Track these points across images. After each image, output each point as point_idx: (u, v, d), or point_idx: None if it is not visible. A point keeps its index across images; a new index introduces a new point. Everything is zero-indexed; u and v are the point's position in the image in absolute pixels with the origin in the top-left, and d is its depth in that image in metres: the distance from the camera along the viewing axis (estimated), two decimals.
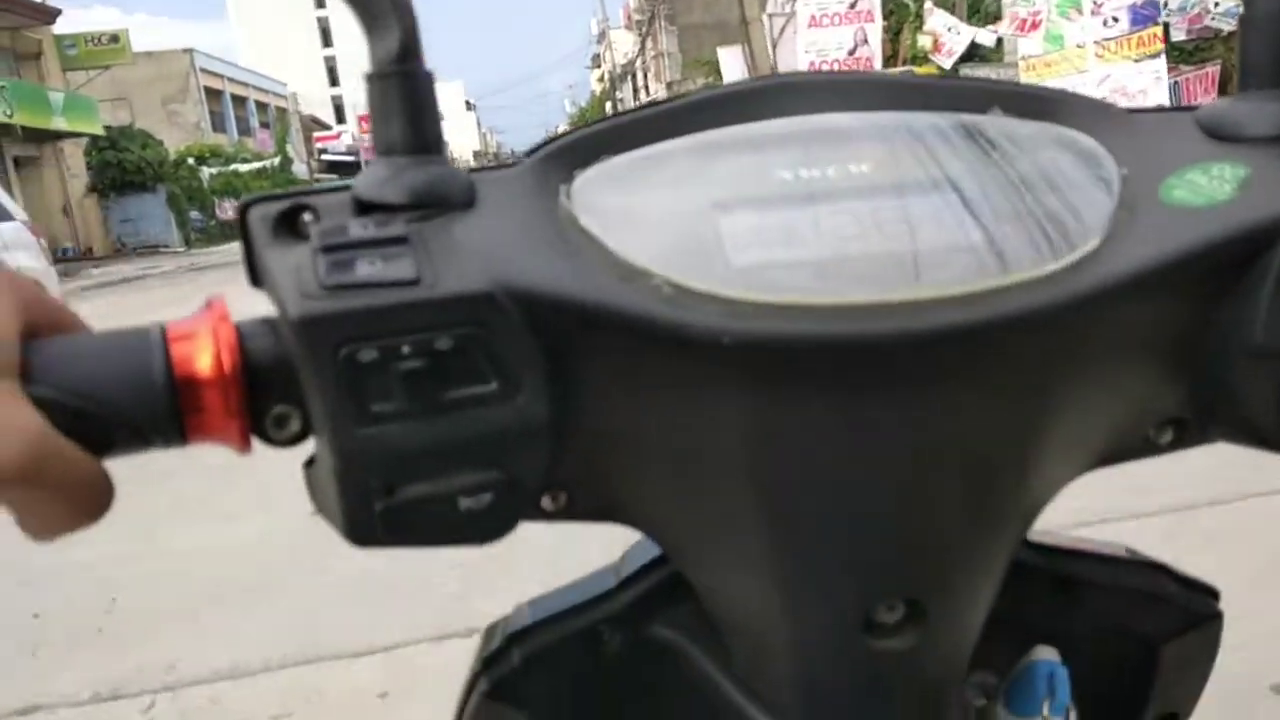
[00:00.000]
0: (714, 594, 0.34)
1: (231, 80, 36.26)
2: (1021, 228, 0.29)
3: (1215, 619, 0.39)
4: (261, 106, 39.14)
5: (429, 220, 0.30)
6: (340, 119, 47.47)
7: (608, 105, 49.32)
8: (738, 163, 0.31)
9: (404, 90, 0.30)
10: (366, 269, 0.28)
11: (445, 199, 0.30)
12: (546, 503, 0.32)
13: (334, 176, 51.59)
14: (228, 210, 26.41)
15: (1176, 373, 0.32)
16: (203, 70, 32.40)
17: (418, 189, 0.30)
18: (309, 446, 0.30)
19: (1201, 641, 0.39)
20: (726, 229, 0.29)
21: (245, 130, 35.16)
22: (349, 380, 0.27)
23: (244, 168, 26.58)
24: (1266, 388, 0.31)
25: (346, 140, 46.89)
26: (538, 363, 0.28)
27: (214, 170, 25.04)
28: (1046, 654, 0.37)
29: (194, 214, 23.82)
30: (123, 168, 22.17)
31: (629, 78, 43.99)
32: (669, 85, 24.23)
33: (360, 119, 48.58)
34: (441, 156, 0.31)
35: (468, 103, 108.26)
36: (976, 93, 0.33)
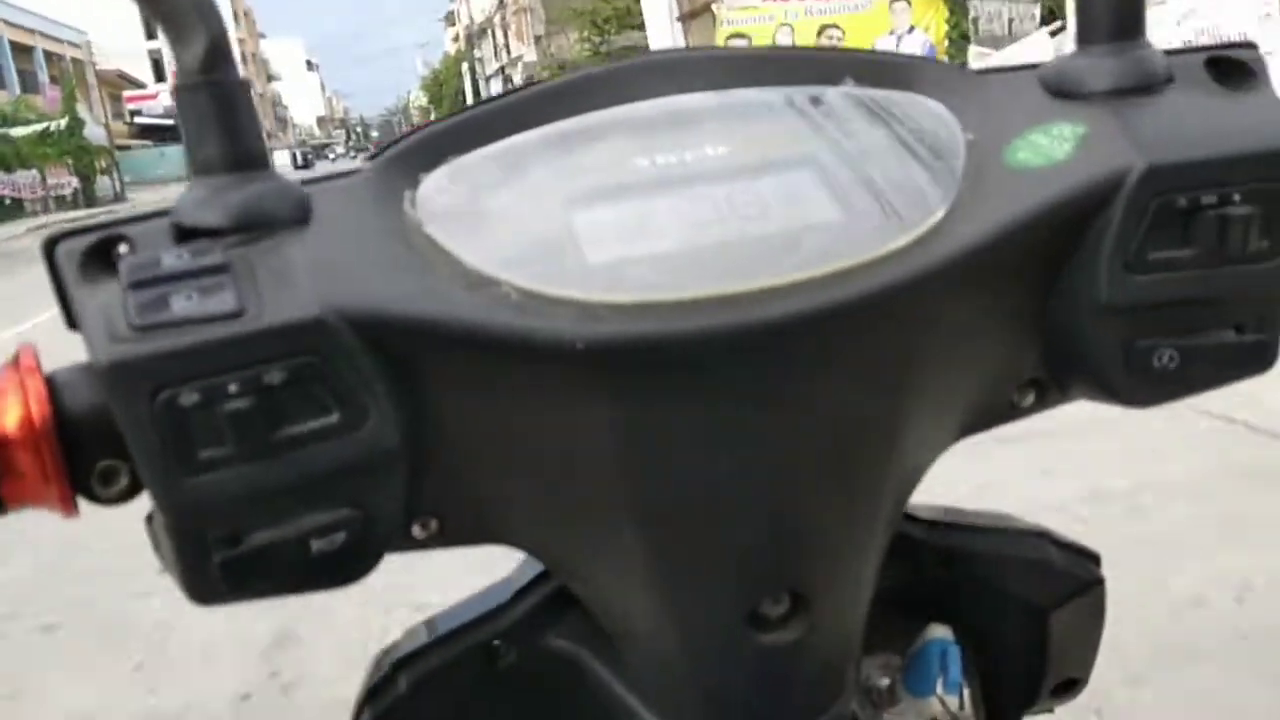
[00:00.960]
0: (599, 604, 0.34)
1: (9, 24, 29.12)
2: (873, 203, 0.30)
3: (1099, 583, 0.41)
4: (54, 58, 32.05)
5: (255, 243, 0.28)
6: (160, 76, 40.32)
7: (463, 66, 43.92)
8: (592, 153, 0.31)
9: (216, 101, 0.29)
10: (182, 304, 0.26)
11: (273, 218, 0.29)
12: (417, 531, 0.31)
13: (147, 143, 43.90)
14: None
15: (1030, 335, 0.33)
16: None
17: (241, 209, 0.28)
18: (146, 501, 0.28)
19: (1088, 607, 0.42)
20: (581, 225, 0.29)
21: (31, 86, 28.49)
22: (171, 427, 0.26)
23: (19, 131, 20.67)
24: (1113, 343, 0.32)
25: (165, 101, 39.68)
26: (383, 387, 0.27)
27: None
28: (939, 632, 0.38)
29: None
30: None
31: (488, 34, 38.74)
32: (537, 40, 19.61)
33: (173, 73, 40.95)
34: (267, 171, 0.29)
35: (309, 62, 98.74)
36: (830, 63, 0.34)
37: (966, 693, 0.38)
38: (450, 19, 66.84)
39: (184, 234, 0.28)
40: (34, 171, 23.59)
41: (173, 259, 0.27)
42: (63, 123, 24.68)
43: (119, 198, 26.68)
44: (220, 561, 0.27)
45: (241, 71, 0.30)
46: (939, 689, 0.38)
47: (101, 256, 0.28)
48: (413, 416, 0.28)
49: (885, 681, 0.40)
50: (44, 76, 33.26)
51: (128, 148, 42.00)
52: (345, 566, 0.28)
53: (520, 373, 0.28)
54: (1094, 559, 0.42)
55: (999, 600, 0.41)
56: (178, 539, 0.27)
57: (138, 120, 47.34)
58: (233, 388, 0.26)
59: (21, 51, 30.92)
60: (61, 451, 0.27)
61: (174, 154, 40.65)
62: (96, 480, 0.28)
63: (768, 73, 0.34)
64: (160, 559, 0.29)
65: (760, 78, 0.33)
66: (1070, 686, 0.44)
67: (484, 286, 0.28)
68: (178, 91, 0.28)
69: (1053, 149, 0.32)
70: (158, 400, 0.25)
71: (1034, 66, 0.34)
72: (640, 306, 0.28)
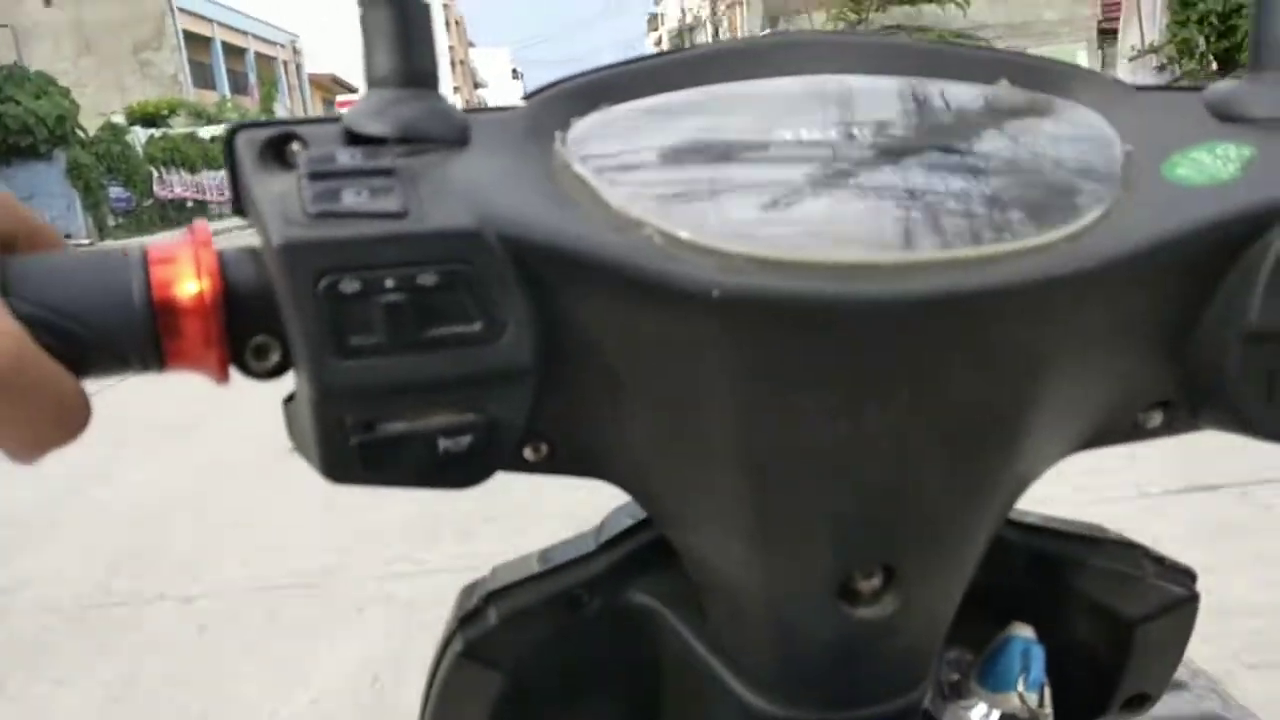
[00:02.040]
0: (693, 557, 0.36)
1: (225, 26, 27.52)
2: (1022, 199, 0.30)
3: (1191, 601, 0.41)
4: (266, 60, 30.65)
5: (419, 155, 0.30)
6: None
7: None
8: (739, 120, 0.32)
9: (397, 18, 0.30)
10: (352, 199, 0.28)
11: (437, 135, 0.31)
12: (528, 453, 0.33)
13: None
14: (173, 186, 17.79)
15: (1169, 354, 0.33)
16: (183, 10, 23.78)
17: (409, 123, 0.30)
18: (289, 383, 0.31)
19: (1176, 623, 0.41)
20: (723, 184, 0.30)
21: (242, 88, 26.90)
22: (330, 310, 0.28)
23: (209, 130, 18.48)
24: (1258, 373, 0.32)
25: None
26: (523, 306, 0.29)
27: (156, 133, 16.96)
28: (1022, 631, 0.39)
29: (116, 190, 15.65)
30: (3, 125, 15.88)
31: (696, 32, 34.95)
32: (773, 21, 15.36)
33: None
34: (435, 91, 0.31)
35: (514, 71, 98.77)
36: (986, 62, 0.34)
37: (1048, 693, 0.38)
38: (653, 22, 63.93)
39: (353, 139, 0.30)
40: (222, 173, 21.78)
41: (346, 157, 0.29)
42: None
43: None
44: (357, 444, 0.29)
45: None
46: (1020, 686, 0.38)
47: (277, 150, 0.30)
48: (545, 339, 0.29)
49: (955, 676, 0.40)
50: (253, 78, 32.11)
51: None
52: (464, 470, 0.30)
53: (654, 314, 0.29)
54: (1190, 575, 0.41)
55: (1085, 609, 0.41)
56: (320, 418, 0.29)
57: None
58: (389, 282, 0.28)
59: (234, 53, 29.84)
60: (223, 322, 0.29)
61: None
62: (250, 354, 0.30)
63: (925, 64, 0.34)
64: (293, 439, 0.32)
65: (917, 68, 0.34)
66: (1141, 702, 0.43)
67: (628, 228, 0.29)
68: (362, 4, 0.30)
69: (1216, 168, 0.32)
70: (321, 283, 0.27)
71: (1199, 88, 0.34)
72: (778, 263, 0.28)
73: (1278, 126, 0.32)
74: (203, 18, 28.64)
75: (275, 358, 0.30)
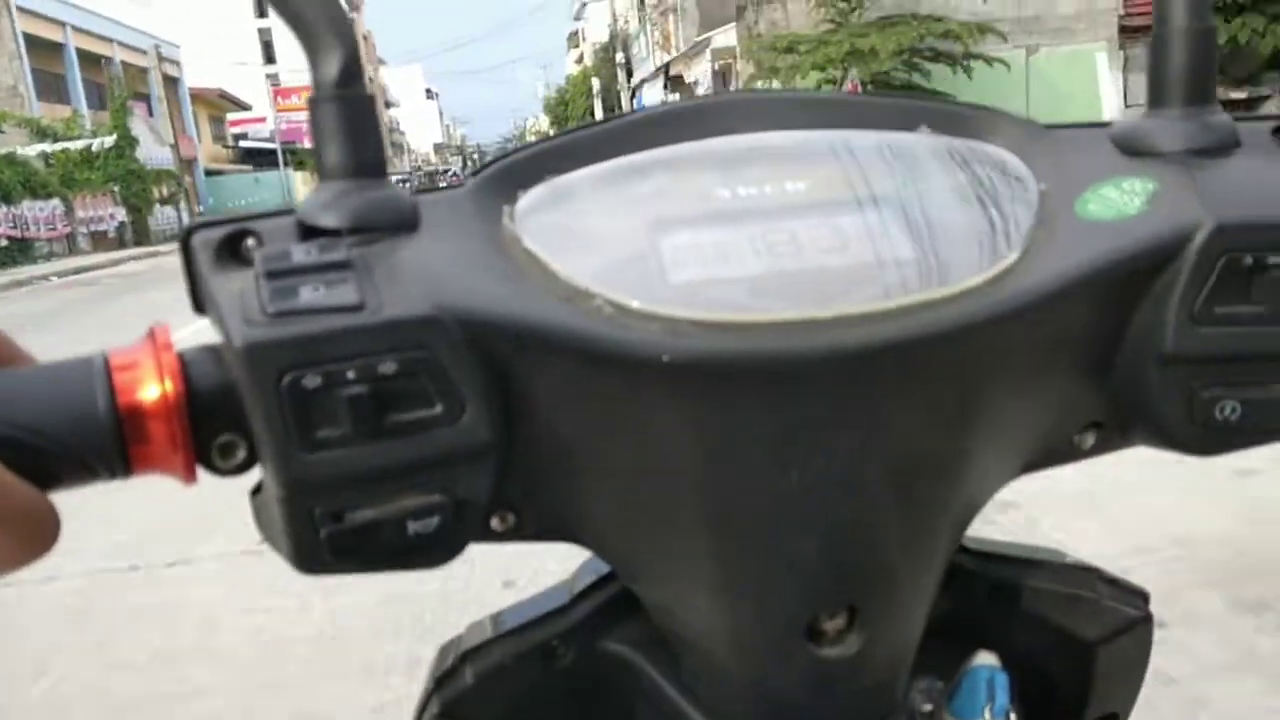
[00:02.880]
0: (661, 608, 0.38)
1: (82, 31, 22.58)
2: (946, 243, 0.32)
3: (1146, 621, 0.44)
4: (139, 71, 25.81)
5: (372, 244, 0.31)
6: (267, 93, 34.34)
7: (594, 82, 36.68)
8: (677, 182, 0.34)
9: (346, 113, 0.32)
10: (310, 295, 0.29)
11: (388, 222, 0.32)
12: (495, 524, 0.34)
13: (246, 168, 37.20)
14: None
15: (1096, 379, 0.35)
16: (25, 11, 18.97)
17: (361, 213, 0.32)
18: (255, 475, 0.32)
19: (1135, 643, 0.44)
20: (666, 248, 0.32)
21: (106, 101, 22.18)
22: (293, 407, 0.28)
23: (34, 148, 13.96)
24: (1176, 393, 0.34)
25: (273, 125, 33.25)
26: (481, 384, 0.30)
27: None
28: (986, 659, 0.41)
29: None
30: None
31: (631, 45, 31.50)
32: (740, 11, 17.54)
33: (275, 94, 34.41)
34: (385, 180, 0.33)
35: (428, 90, 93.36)
36: (907, 111, 0.37)
37: (1014, 718, 0.40)
38: (574, 39, 60.30)
39: (307, 232, 0.31)
40: (56, 201, 17.11)
41: (301, 253, 0.30)
42: (107, 140, 18.24)
43: None
44: (327, 535, 0.30)
45: None
46: (986, 714, 0.39)
47: (232, 248, 0.31)
48: (505, 413, 0.31)
49: (928, 707, 0.42)
50: (156, 96, 27.35)
51: (219, 173, 35.46)
52: (435, 550, 0.31)
53: (607, 382, 0.31)
54: (1143, 597, 0.44)
55: (1045, 633, 0.43)
56: (289, 511, 0.30)
57: (242, 144, 40.95)
58: (350, 374, 0.28)
59: (93, 62, 24.90)
60: (188, 424, 0.30)
61: (270, 181, 34.06)
62: (216, 452, 0.30)
63: (847, 116, 0.36)
64: (262, 531, 0.33)
65: (840, 120, 0.36)
66: None
67: (578, 299, 0.30)
68: (312, 104, 0.32)
69: (1124, 203, 0.34)
70: (284, 381, 0.28)
71: (1105, 125, 0.37)
72: (722, 325, 0.30)
73: (1178, 159, 0.35)
74: (52, 20, 23.83)
75: (241, 454, 0.31)
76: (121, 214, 20.09)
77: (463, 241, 0.32)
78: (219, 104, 39.73)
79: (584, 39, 54.53)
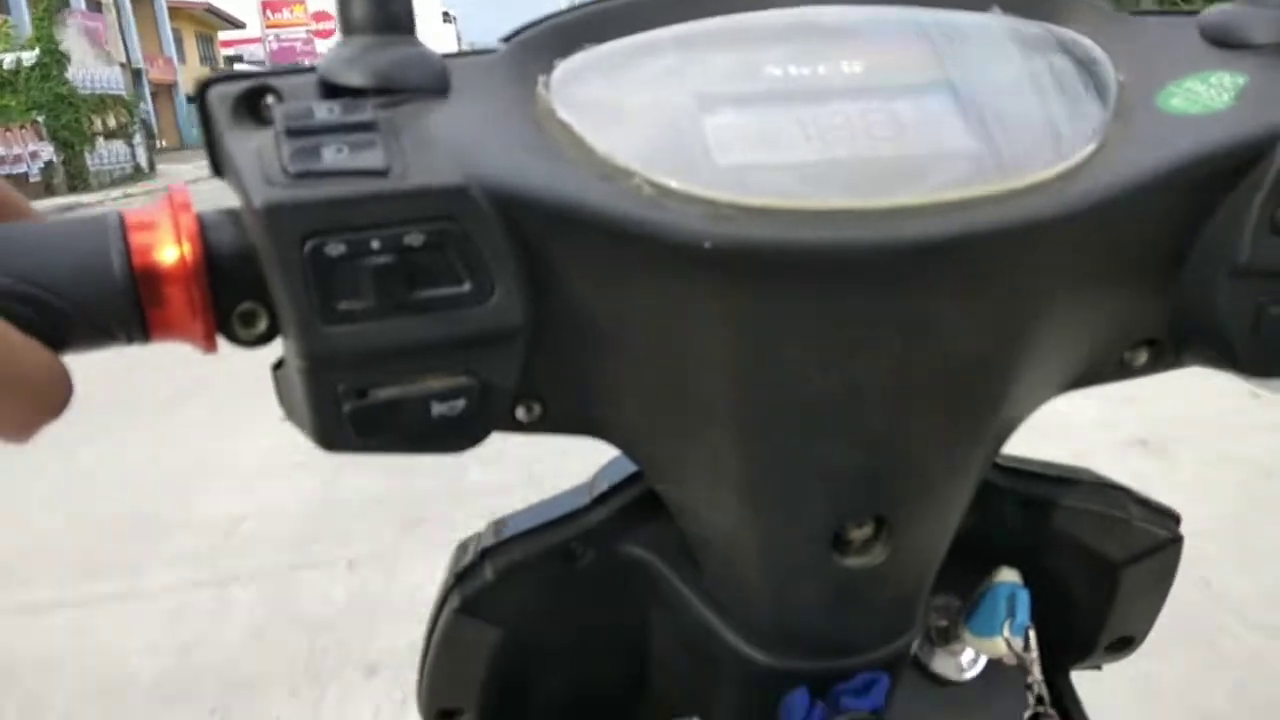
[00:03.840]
0: (686, 510, 0.38)
1: None
2: (1015, 134, 0.31)
3: (1175, 542, 0.44)
4: None
5: (399, 106, 0.30)
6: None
7: None
8: (726, 57, 0.32)
9: None
10: (333, 156, 0.28)
11: (416, 83, 0.30)
12: (521, 413, 0.34)
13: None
14: None
15: (1158, 291, 0.34)
16: None
17: (387, 71, 0.30)
18: (277, 348, 0.31)
19: (1160, 565, 0.44)
20: (711, 128, 0.30)
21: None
22: (316, 275, 0.27)
23: None
24: (1246, 308, 0.33)
25: (272, 44, 27.87)
26: (511, 264, 0.29)
27: None
28: (1008, 576, 0.41)
29: None
30: None
31: None
32: None
33: (264, 6, 28.93)
34: (413, 36, 0.31)
35: (445, 14, 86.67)
36: None
37: (1033, 636, 0.41)
38: None
39: (330, 90, 0.30)
40: None
41: (324, 112, 0.29)
42: (27, 57, 13.53)
43: (139, 173, 15.14)
44: (350, 411, 0.29)
45: None
46: (1005, 631, 0.40)
47: (251, 105, 0.30)
48: (535, 296, 0.30)
49: (944, 622, 0.42)
50: (128, 11, 22.43)
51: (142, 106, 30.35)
52: (459, 433, 0.31)
53: (643, 265, 0.30)
54: (1174, 518, 0.44)
55: (1072, 551, 0.43)
56: (310, 385, 0.29)
57: (237, 67, 35.22)
58: (375, 244, 0.27)
59: None
60: (207, 288, 0.29)
61: None
62: (237, 321, 0.30)
63: None
64: (284, 407, 0.32)
65: None
66: (1124, 645, 0.46)
67: (616, 177, 0.29)
68: None
69: (1210, 97, 0.32)
70: (306, 246, 0.27)
71: (1193, 14, 0.35)
72: (768, 211, 0.29)
73: (1272, 52, 0.33)
74: None
75: (262, 324, 0.30)
76: (48, 151, 15.55)
77: (495, 109, 0.31)
78: (207, 20, 34.95)
79: None
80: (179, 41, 32.50)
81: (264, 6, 32.60)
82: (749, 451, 0.33)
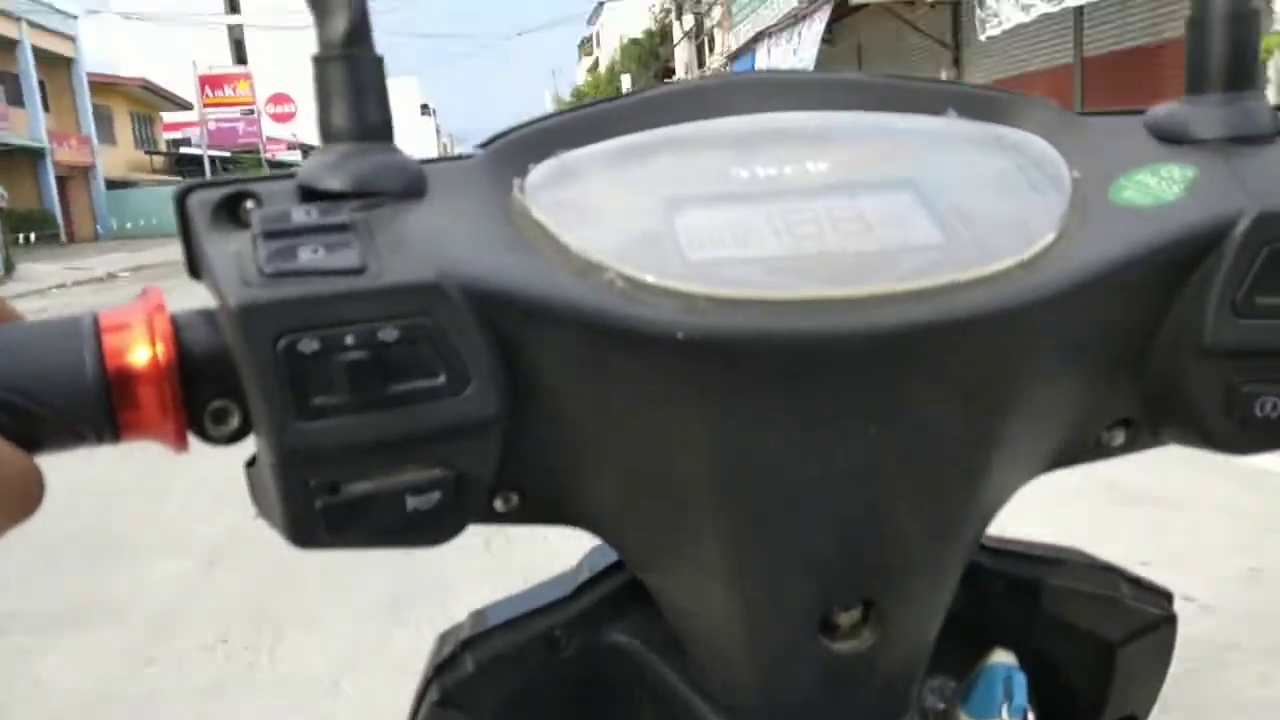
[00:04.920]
0: (670, 598, 0.39)
1: None
2: (976, 227, 0.33)
3: (1169, 621, 0.44)
4: (51, 60, 16.13)
5: (375, 209, 0.31)
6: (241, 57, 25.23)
7: (625, 79, 28.61)
8: (694, 160, 0.35)
9: (351, 74, 0.32)
10: (309, 256, 0.29)
11: (393, 188, 0.32)
12: (499, 504, 0.35)
13: (175, 178, 26.95)
14: None
15: (1127, 373, 0.36)
16: None
17: (364, 176, 0.31)
18: (250, 446, 0.32)
19: (1157, 644, 0.44)
20: (681, 225, 0.32)
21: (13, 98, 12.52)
22: (289, 371, 0.28)
23: None
24: (1214, 388, 0.34)
25: (212, 126, 23.58)
26: (487, 356, 0.30)
27: None
28: (1003, 658, 0.41)
29: None
30: None
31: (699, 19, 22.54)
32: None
33: (202, 83, 24.70)
34: (390, 144, 0.33)
35: (424, 106, 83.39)
36: (933, 94, 0.37)
37: (1032, 718, 0.41)
38: (586, 46, 51.36)
39: (307, 195, 0.32)
40: None
41: (301, 215, 0.30)
42: None
43: None
44: (322, 507, 0.30)
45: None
46: (1003, 714, 0.40)
47: (230, 210, 0.31)
48: (511, 388, 0.31)
49: (940, 705, 0.42)
50: (32, 84, 18.20)
51: (132, 184, 25.74)
52: (435, 527, 0.31)
53: (618, 357, 0.31)
54: (1166, 596, 0.45)
55: (1065, 633, 0.43)
56: (283, 482, 0.30)
57: (184, 151, 31.06)
58: (349, 340, 0.28)
59: None
60: (180, 389, 0.30)
61: None
62: (209, 419, 0.30)
63: (872, 99, 0.37)
64: (257, 504, 0.33)
65: (864, 103, 0.37)
66: None
67: (590, 272, 0.30)
68: (316, 61, 0.32)
69: (1161, 190, 0.34)
70: (279, 344, 0.28)
71: (1140, 111, 0.38)
72: (740, 302, 0.30)
73: (1218, 147, 0.35)
74: None
75: (235, 422, 0.30)
76: None
77: (470, 210, 0.32)
78: (145, 99, 30.95)
79: (599, 45, 46.29)
80: (107, 120, 28.60)
81: (202, 83, 28.92)
82: (730, 540, 0.34)
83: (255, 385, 0.28)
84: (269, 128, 33.23)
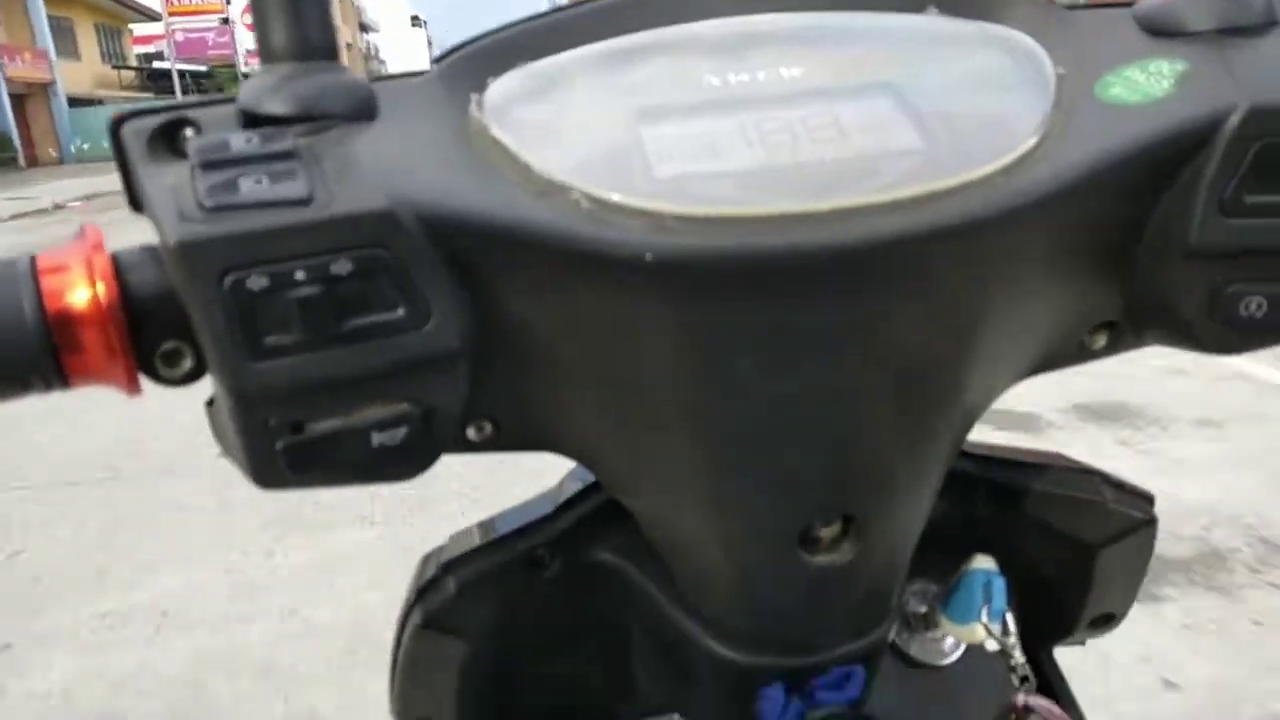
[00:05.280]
0: (650, 517, 0.39)
1: None
2: (956, 131, 0.32)
3: (1150, 523, 0.45)
4: None
5: (322, 134, 0.30)
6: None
7: None
8: (662, 68, 0.33)
9: None
10: (251, 188, 0.27)
11: (339, 110, 0.30)
12: (471, 433, 0.34)
13: (147, 95, 25.61)
14: None
15: (1111, 275, 0.35)
16: None
17: (308, 99, 0.30)
18: (208, 385, 0.31)
19: (1137, 545, 0.45)
20: (650, 139, 0.31)
21: None
22: (239, 310, 0.27)
23: None
24: (1199, 288, 0.34)
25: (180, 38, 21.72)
26: (448, 286, 0.29)
27: None
28: (984, 563, 0.42)
29: None
30: None
31: None
32: None
33: None
34: (336, 63, 0.32)
35: (414, 18, 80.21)
36: None
37: (1011, 621, 0.41)
38: None
39: (250, 120, 0.31)
40: None
41: (242, 143, 0.29)
42: None
43: None
44: (284, 447, 0.29)
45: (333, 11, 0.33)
46: (983, 617, 0.41)
47: (168, 138, 0.30)
48: (474, 318, 0.30)
49: (922, 609, 0.43)
50: None
51: (98, 101, 23.95)
52: (404, 462, 0.31)
53: (585, 281, 0.30)
54: (1148, 499, 0.45)
55: (1047, 536, 0.44)
56: (242, 424, 0.29)
57: (157, 65, 29.18)
58: (300, 275, 0.27)
59: None
60: (126, 330, 0.29)
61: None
62: (160, 361, 0.30)
63: None
64: (220, 443, 0.32)
65: (841, 2, 0.35)
66: (1106, 621, 0.47)
67: (553, 193, 0.29)
68: None
69: (1150, 85, 0.33)
70: (225, 282, 0.27)
71: (1129, 4, 0.36)
72: (711, 220, 0.29)
73: (1210, 39, 0.34)
74: None
75: (188, 363, 0.30)
76: None
77: (425, 132, 0.31)
78: (111, 10, 28.77)
79: None
80: (68, 32, 26.52)
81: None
82: (707, 459, 0.34)
83: (204, 326, 0.27)
84: (246, 39, 31.09)
